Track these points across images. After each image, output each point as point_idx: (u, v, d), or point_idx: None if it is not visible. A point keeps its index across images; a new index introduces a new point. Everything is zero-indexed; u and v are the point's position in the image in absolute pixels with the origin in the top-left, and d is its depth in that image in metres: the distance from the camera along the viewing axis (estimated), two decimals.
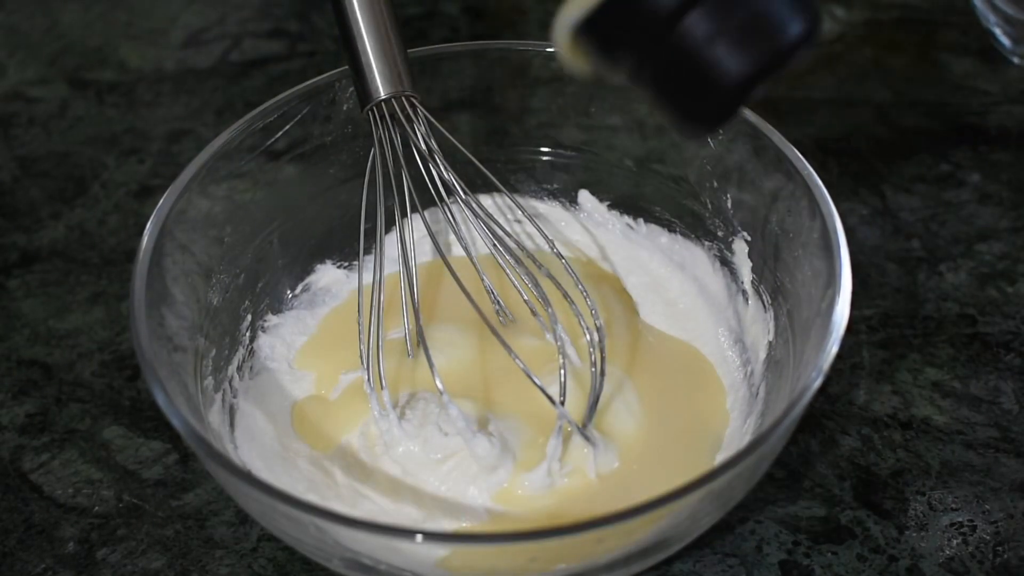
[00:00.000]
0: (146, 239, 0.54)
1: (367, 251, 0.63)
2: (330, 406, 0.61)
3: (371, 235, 0.62)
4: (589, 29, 0.43)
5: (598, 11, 0.42)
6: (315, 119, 0.64)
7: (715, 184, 0.63)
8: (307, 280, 0.67)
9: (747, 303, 0.62)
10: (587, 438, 0.56)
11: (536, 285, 0.60)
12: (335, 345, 0.64)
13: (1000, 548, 0.56)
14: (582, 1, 0.43)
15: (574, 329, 0.60)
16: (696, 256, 0.66)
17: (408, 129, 0.60)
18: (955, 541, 0.57)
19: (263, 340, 0.63)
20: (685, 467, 0.55)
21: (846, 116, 0.82)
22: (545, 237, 0.62)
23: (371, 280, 0.61)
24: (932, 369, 0.64)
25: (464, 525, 0.54)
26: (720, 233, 0.64)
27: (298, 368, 0.63)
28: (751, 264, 0.62)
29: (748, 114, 0.59)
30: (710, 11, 0.41)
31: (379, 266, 0.61)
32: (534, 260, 0.60)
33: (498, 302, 0.63)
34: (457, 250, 0.64)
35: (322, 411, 0.60)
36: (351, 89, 0.62)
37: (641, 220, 0.68)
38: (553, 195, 0.70)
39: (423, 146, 0.60)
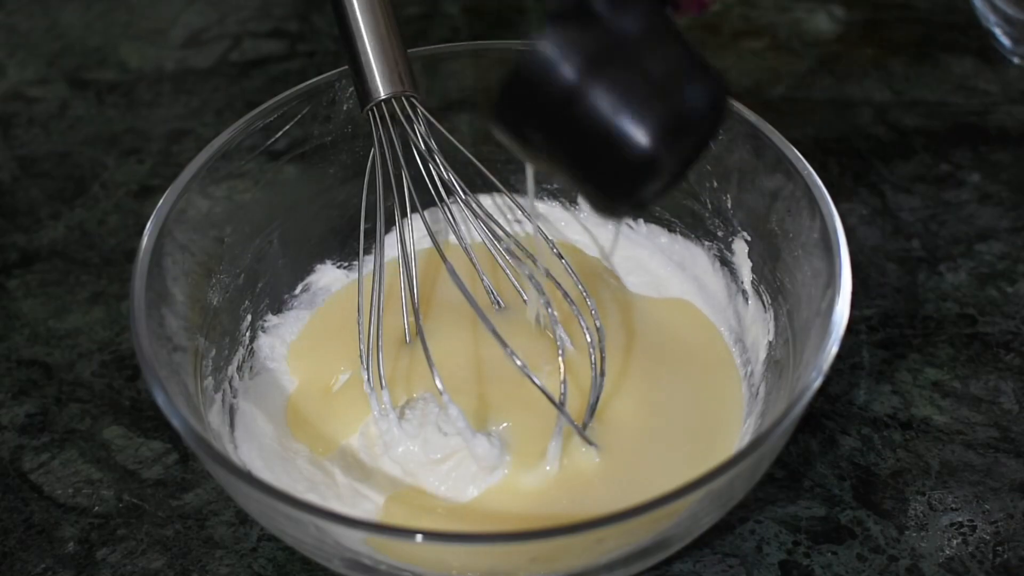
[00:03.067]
0: (146, 239, 0.54)
1: (367, 251, 0.63)
2: (327, 407, 0.60)
3: (371, 235, 0.62)
4: (501, 116, 0.42)
5: (501, 98, 0.42)
6: (315, 119, 0.64)
7: (715, 184, 0.63)
8: (307, 280, 0.67)
9: (747, 303, 0.62)
10: (587, 439, 0.56)
11: (536, 285, 0.60)
12: (327, 345, 0.64)
13: (1000, 548, 0.56)
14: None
15: (574, 329, 0.60)
16: (696, 256, 0.66)
17: (408, 129, 0.60)
18: (955, 541, 0.57)
19: (263, 340, 0.63)
20: (686, 465, 0.55)
21: (846, 116, 0.82)
22: (545, 237, 0.62)
23: (371, 280, 0.61)
24: (932, 369, 0.64)
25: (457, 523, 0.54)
26: (720, 233, 0.64)
27: (289, 372, 0.63)
28: (751, 264, 0.62)
29: (748, 114, 0.59)
30: (608, 87, 0.40)
31: (379, 266, 0.61)
32: (534, 260, 0.60)
33: (498, 302, 0.63)
34: (457, 250, 0.64)
35: (320, 412, 0.60)
36: (351, 89, 0.62)
37: (641, 220, 0.68)
38: (553, 195, 0.70)
39: (423, 146, 0.61)
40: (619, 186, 0.43)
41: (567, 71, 0.40)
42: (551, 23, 0.40)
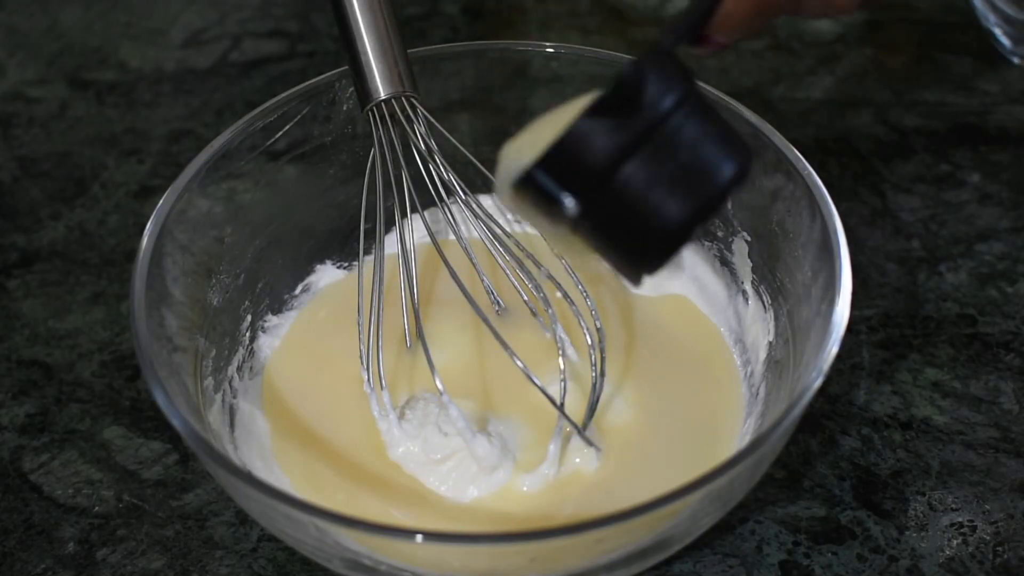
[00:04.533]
0: (146, 239, 0.54)
1: (367, 251, 0.63)
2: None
3: (371, 235, 0.62)
4: (529, 181, 0.43)
5: (539, 164, 0.42)
6: (315, 119, 0.64)
7: None
8: (307, 280, 0.67)
9: (747, 303, 0.62)
10: (587, 440, 0.56)
11: (536, 285, 0.60)
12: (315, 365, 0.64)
13: (1000, 548, 0.56)
14: (522, 153, 0.44)
15: (574, 329, 0.60)
16: (696, 256, 0.66)
17: (408, 129, 0.60)
18: (955, 541, 0.57)
19: (263, 340, 0.63)
20: (687, 465, 0.55)
21: (846, 116, 0.82)
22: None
23: (370, 280, 0.61)
24: (932, 369, 0.64)
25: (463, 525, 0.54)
26: (720, 233, 0.64)
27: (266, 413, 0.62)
28: (751, 264, 0.62)
29: (748, 114, 0.59)
30: (646, 160, 0.41)
31: (379, 266, 0.61)
32: (534, 260, 0.60)
33: (498, 302, 0.63)
34: (457, 249, 0.64)
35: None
36: (351, 89, 0.62)
37: None
38: None
39: (423, 146, 0.60)
40: (646, 256, 0.44)
41: (608, 149, 0.41)
42: (599, 104, 0.41)
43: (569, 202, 0.42)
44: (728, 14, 0.45)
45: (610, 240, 0.44)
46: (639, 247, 0.44)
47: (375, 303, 0.60)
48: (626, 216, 0.42)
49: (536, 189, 0.43)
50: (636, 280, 0.46)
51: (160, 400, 0.48)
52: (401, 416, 0.58)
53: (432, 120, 0.61)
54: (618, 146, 0.41)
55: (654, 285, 0.67)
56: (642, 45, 0.91)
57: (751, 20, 0.46)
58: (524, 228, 0.68)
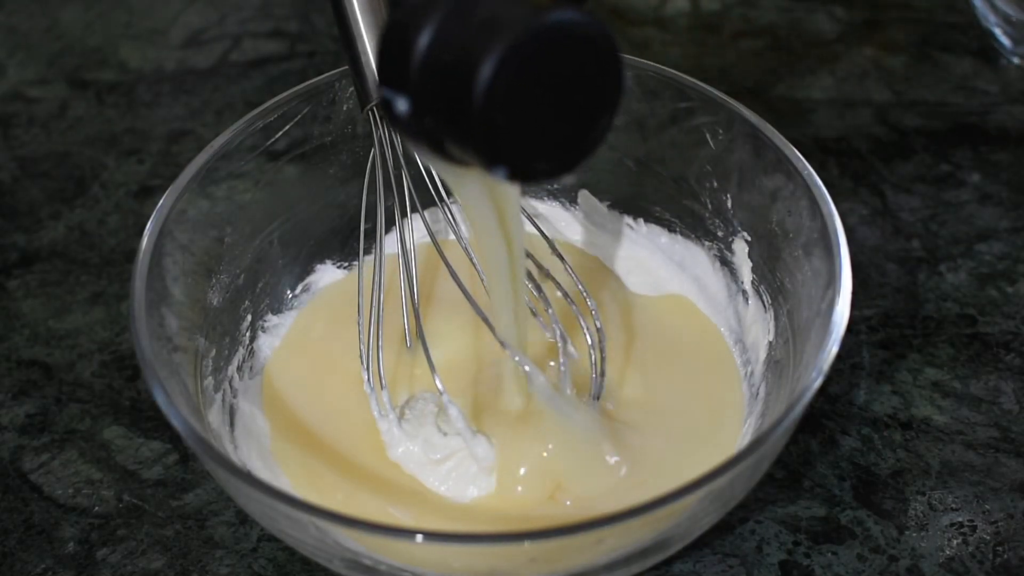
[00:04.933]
0: (146, 239, 0.54)
1: (367, 251, 0.63)
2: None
3: (371, 235, 0.62)
4: (381, 100, 0.41)
5: (378, 79, 0.41)
6: (315, 119, 0.64)
7: (715, 184, 0.63)
8: (307, 280, 0.67)
9: (747, 303, 0.62)
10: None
11: (536, 285, 0.60)
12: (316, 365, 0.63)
13: (1000, 548, 0.56)
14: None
15: (574, 329, 0.60)
16: (696, 256, 0.66)
17: None
18: (955, 541, 0.57)
19: (263, 340, 0.64)
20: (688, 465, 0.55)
21: (846, 116, 0.82)
22: (545, 237, 0.63)
23: (370, 280, 0.61)
24: (932, 369, 0.64)
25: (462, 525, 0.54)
26: (720, 233, 0.64)
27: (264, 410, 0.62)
28: (751, 264, 0.62)
29: (748, 114, 0.59)
30: (447, 28, 0.38)
31: (379, 266, 0.61)
32: (534, 260, 0.60)
33: None
34: (457, 249, 0.64)
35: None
36: (351, 89, 0.62)
37: (641, 220, 0.68)
38: (553, 195, 0.70)
39: None
40: (486, 137, 0.39)
41: (412, 30, 0.39)
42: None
43: (400, 101, 0.40)
44: None
45: (455, 132, 0.40)
46: (469, 124, 0.39)
47: (375, 303, 0.60)
48: (446, 94, 0.38)
49: (384, 105, 0.40)
50: (503, 173, 0.40)
51: (160, 400, 0.48)
52: (401, 416, 0.58)
53: None
54: (420, 25, 0.39)
55: (656, 287, 0.67)
56: (642, 45, 0.91)
57: None
58: (524, 228, 0.68)
